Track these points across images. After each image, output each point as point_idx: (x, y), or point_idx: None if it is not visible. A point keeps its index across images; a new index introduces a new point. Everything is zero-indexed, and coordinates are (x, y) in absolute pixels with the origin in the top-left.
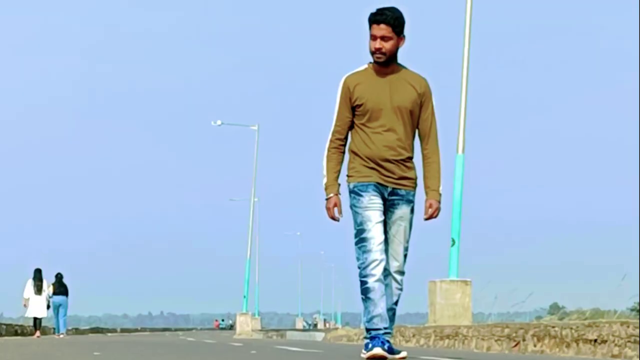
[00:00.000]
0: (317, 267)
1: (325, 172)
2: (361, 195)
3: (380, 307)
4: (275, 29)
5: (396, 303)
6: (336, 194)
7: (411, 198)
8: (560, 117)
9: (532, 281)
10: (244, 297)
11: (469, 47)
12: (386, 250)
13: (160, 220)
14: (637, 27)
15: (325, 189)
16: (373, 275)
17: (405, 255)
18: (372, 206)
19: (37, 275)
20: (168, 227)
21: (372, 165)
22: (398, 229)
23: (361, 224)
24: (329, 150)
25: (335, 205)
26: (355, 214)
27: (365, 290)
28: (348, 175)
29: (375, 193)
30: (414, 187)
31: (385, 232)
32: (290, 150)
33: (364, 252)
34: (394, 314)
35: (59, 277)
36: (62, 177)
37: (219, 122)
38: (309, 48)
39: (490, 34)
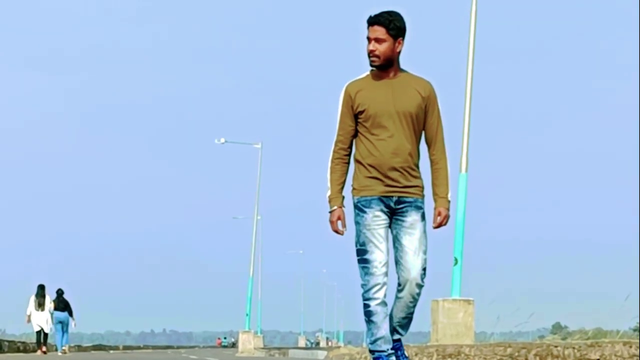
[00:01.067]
0: (320, 285)
1: (329, 184)
2: (364, 212)
3: (383, 329)
4: (280, 48)
5: (410, 315)
6: (340, 207)
7: (420, 205)
8: (564, 136)
9: (535, 301)
10: (247, 315)
11: (472, 65)
12: (399, 263)
13: (164, 238)
14: (636, 45)
15: (329, 201)
16: (375, 298)
17: (424, 269)
18: (376, 225)
19: (40, 292)
20: (171, 245)
21: (376, 174)
22: (410, 238)
23: (363, 244)
24: (332, 162)
25: (338, 218)
26: (358, 231)
27: (367, 313)
28: (353, 188)
29: (380, 208)
30: (422, 195)
31: (397, 243)
32: (293, 169)
33: (366, 274)
34: (409, 321)
35: (59, 293)
36: (65, 192)
37: (222, 140)
38: (313, 66)
39: (494, 52)
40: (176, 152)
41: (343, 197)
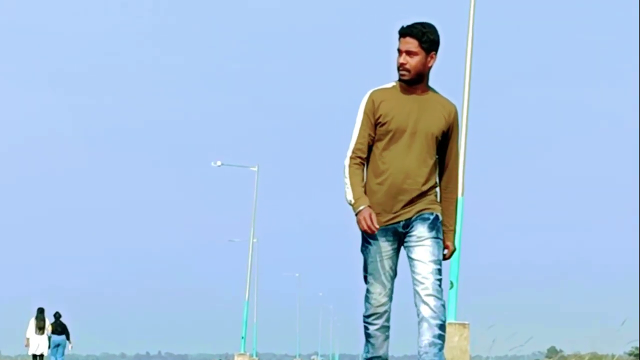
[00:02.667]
0: (316, 308)
1: (350, 188)
2: (369, 244)
3: (380, 350)
4: (277, 70)
5: (439, 337)
6: (368, 206)
7: (427, 216)
8: (562, 160)
9: (531, 325)
10: (242, 337)
11: (469, 89)
12: (413, 279)
13: (160, 260)
14: (636, 68)
15: (355, 202)
16: (374, 324)
17: (438, 280)
18: (380, 256)
19: (40, 316)
20: (167, 267)
21: (383, 199)
22: (420, 250)
23: (366, 271)
24: (350, 166)
25: (370, 214)
26: (363, 257)
27: (366, 335)
28: None
29: (384, 238)
30: (433, 208)
31: (409, 259)
32: (289, 192)
33: (366, 301)
34: (440, 339)
35: (57, 316)
36: (59, 215)
37: (218, 163)
38: (310, 89)
39: (490, 76)
40: (172, 174)
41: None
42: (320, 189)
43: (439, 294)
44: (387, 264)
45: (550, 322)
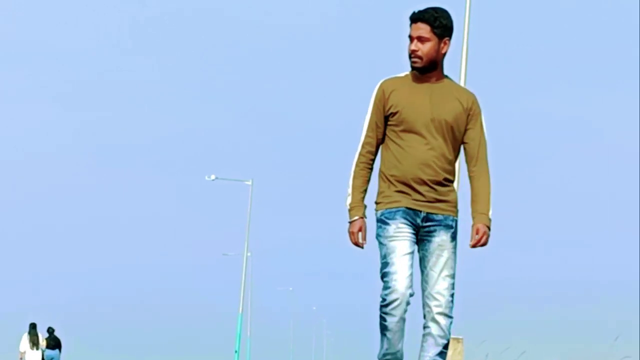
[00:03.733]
0: (309, 322)
1: (350, 191)
2: (387, 224)
3: (396, 346)
4: (272, 84)
5: (441, 354)
6: (361, 217)
7: (450, 223)
8: (558, 176)
9: (524, 340)
10: (236, 351)
11: None
12: (424, 290)
13: (153, 273)
14: (636, 84)
15: (349, 210)
16: (392, 315)
17: (451, 295)
18: (399, 236)
19: (33, 331)
20: (160, 280)
21: (403, 187)
22: (437, 261)
23: (385, 256)
24: (357, 166)
25: (360, 229)
26: (380, 245)
27: (382, 327)
28: (376, 203)
29: (405, 220)
30: (455, 213)
31: (422, 266)
32: (284, 206)
33: (385, 288)
34: (444, 359)
35: (50, 331)
36: (51, 231)
37: (213, 177)
38: (305, 104)
39: (486, 86)
40: (167, 188)
41: (365, 207)
42: (315, 203)
43: (451, 311)
44: (409, 246)
45: (543, 337)
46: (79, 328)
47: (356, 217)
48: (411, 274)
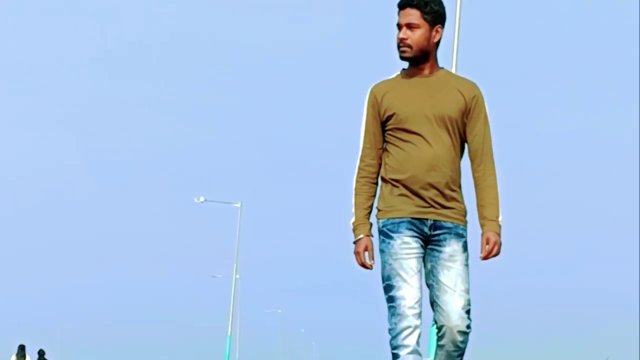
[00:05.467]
0: (298, 344)
1: (353, 209)
2: (391, 238)
3: None
4: (260, 106)
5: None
6: (367, 235)
7: (461, 232)
8: (558, 196)
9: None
10: None
11: None
12: (436, 305)
13: (141, 295)
14: (636, 103)
15: (354, 229)
16: (406, 346)
17: (467, 311)
18: (406, 253)
19: (21, 352)
20: (148, 301)
21: (406, 192)
22: (449, 274)
23: (389, 278)
24: (357, 181)
25: (365, 249)
26: (383, 262)
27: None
28: (377, 210)
29: (411, 233)
30: (464, 221)
31: (433, 280)
32: (272, 228)
33: (393, 315)
34: None
35: (41, 353)
36: (37, 250)
37: (201, 199)
38: (294, 125)
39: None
40: (155, 209)
41: (371, 225)
42: (304, 225)
43: (467, 327)
44: (416, 264)
45: (534, 357)
46: (66, 347)
47: (361, 236)
48: (420, 298)
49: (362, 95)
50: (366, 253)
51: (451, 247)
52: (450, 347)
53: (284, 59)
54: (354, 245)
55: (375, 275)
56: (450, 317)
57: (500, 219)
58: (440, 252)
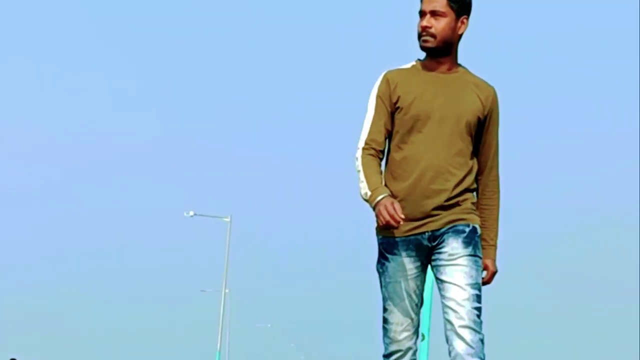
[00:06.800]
0: (288, 359)
1: (365, 179)
2: (386, 260)
3: None
4: (248, 119)
5: None
6: (390, 195)
7: (461, 228)
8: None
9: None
10: None
11: None
12: (444, 306)
13: (129, 310)
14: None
15: (372, 193)
16: None
17: (477, 309)
18: (401, 276)
19: None
20: (137, 316)
21: (407, 205)
22: (453, 271)
23: (384, 299)
24: (363, 157)
25: (392, 203)
26: (380, 282)
27: None
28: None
29: (406, 253)
30: (469, 219)
31: (438, 282)
32: (262, 242)
33: (385, 336)
34: None
35: None
36: (29, 267)
37: (191, 213)
38: (282, 139)
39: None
40: (144, 224)
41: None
42: (293, 240)
43: (477, 325)
44: (411, 286)
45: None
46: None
47: (382, 195)
48: (416, 320)
49: (347, 110)
50: (395, 206)
51: (449, 246)
52: (463, 349)
53: (273, 77)
54: (376, 207)
55: (365, 290)
56: (459, 313)
57: (497, 241)
58: (440, 253)
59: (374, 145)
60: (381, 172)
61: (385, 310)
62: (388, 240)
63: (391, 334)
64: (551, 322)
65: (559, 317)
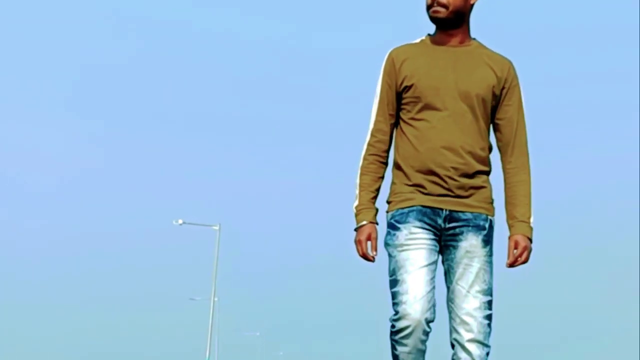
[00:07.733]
0: None
1: (357, 191)
2: (397, 229)
3: None
4: (238, 128)
5: None
6: (371, 222)
7: (482, 223)
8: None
9: None
10: None
11: None
12: (450, 310)
13: (118, 318)
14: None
15: (356, 214)
16: (403, 344)
17: (486, 317)
18: (413, 244)
19: None
20: (125, 325)
21: (420, 180)
22: (464, 272)
23: (394, 271)
24: (365, 160)
25: (368, 237)
26: (389, 256)
27: (393, 357)
28: (387, 202)
29: (421, 222)
30: (488, 210)
31: (447, 281)
32: (251, 250)
33: (394, 310)
34: None
35: None
36: (20, 285)
37: (180, 222)
38: (273, 147)
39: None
40: (133, 232)
41: (377, 211)
42: (283, 248)
43: (486, 338)
44: (424, 255)
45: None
46: None
47: (364, 222)
48: (429, 293)
49: (341, 116)
50: (369, 242)
51: (468, 242)
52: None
53: (266, 86)
54: (355, 233)
55: (355, 300)
56: (469, 325)
57: (532, 220)
58: (456, 248)
59: (379, 137)
60: (378, 179)
61: (395, 282)
62: (402, 211)
63: (402, 307)
64: (551, 322)
65: (558, 317)
